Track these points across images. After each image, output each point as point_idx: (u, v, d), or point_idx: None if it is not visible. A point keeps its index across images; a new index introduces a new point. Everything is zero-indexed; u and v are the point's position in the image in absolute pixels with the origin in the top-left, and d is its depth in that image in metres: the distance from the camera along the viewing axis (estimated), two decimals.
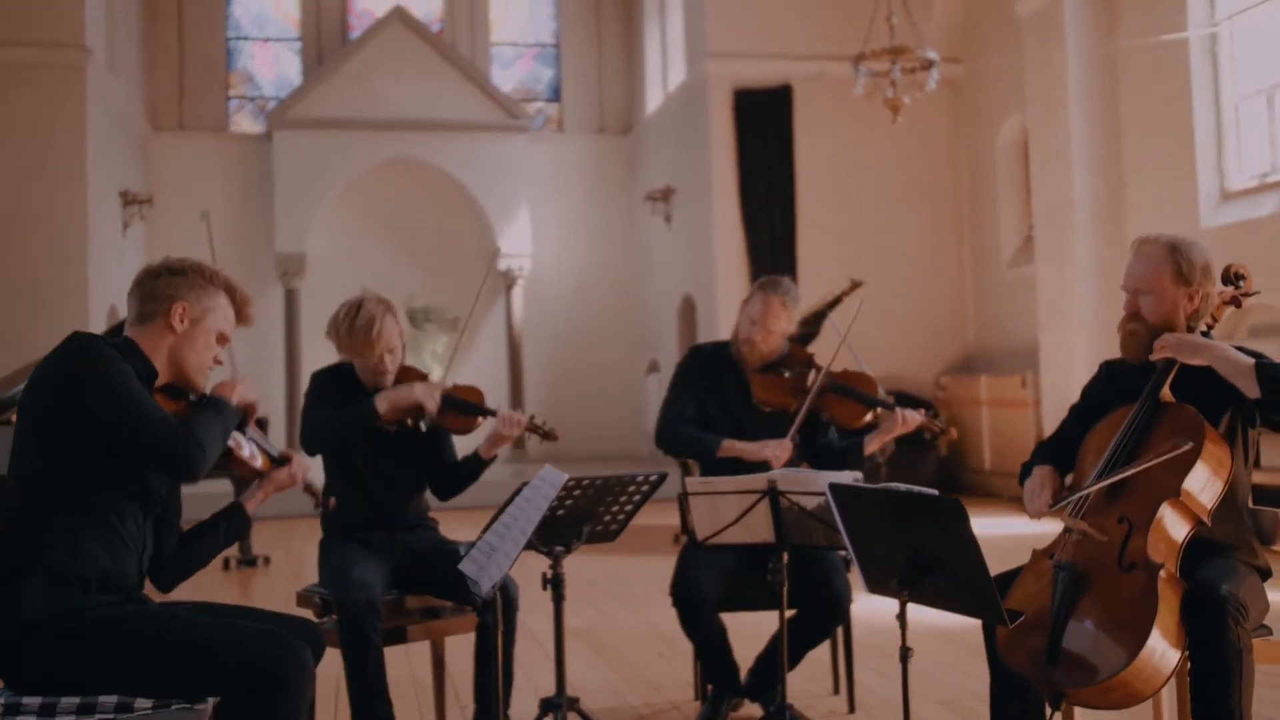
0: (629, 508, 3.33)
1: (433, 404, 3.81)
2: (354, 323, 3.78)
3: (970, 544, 2.49)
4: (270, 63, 16.47)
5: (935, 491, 2.61)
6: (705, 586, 3.80)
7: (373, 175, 15.60)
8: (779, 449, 3.93)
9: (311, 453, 3.86)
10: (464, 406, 3.90)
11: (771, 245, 12.87)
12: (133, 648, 2.51)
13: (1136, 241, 3.20)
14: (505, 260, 15.72)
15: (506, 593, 3.54)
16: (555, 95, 17.12)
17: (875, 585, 2.83)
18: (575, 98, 16.99)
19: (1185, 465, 2.83)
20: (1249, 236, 8.79)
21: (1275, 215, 8.85)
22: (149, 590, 2.78)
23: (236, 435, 2.85)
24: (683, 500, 3.26)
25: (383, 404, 3.79)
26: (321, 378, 3.95)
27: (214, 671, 2.49)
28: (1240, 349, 3.05)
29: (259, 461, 2.92)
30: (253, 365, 13.61)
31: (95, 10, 12.51)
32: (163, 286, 2.76)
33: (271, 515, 10.15)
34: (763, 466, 3.83)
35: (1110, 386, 3.25)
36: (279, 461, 2.97)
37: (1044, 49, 10.72)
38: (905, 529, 2.68)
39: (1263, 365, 2.91)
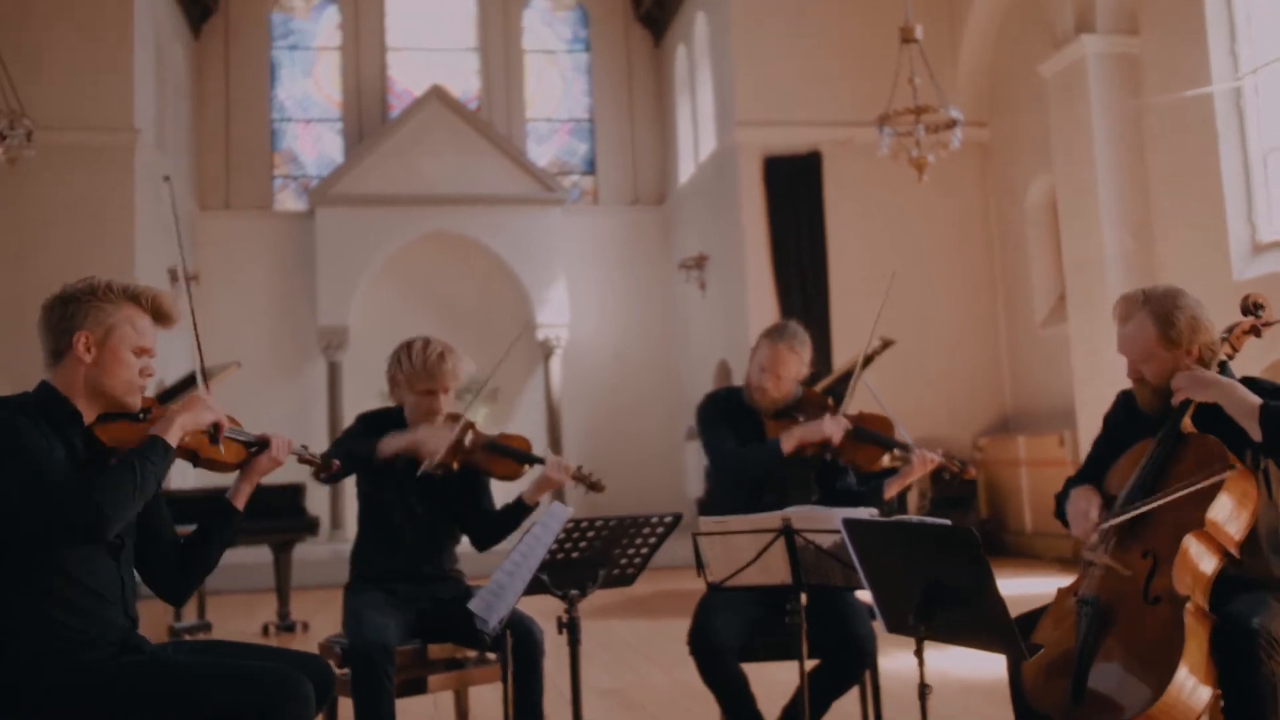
0: (645, 550, 3.37)
1: (435, 449, 3.80)
2: (425, 352, 3.87)
3: (984, 574, 2.50)
4: (313, 142, 16.87)
5: (948, 521, 2.64)
6: (724, 634, 3.79)
7: (412, 249, 15.88)
8: (835, 423, 3.98)
9: (324, 483, 3.75)
10: (512, 453, 3.97)
11: (804, 308, 12.94)
12: (127, 700, 2.47)
13: (1117, 304, 3.21)
14: (543, 330, 15.90)
15: (531, 638, 3.59)
16: (590, 168, 17.39)
17: (894, 624, 2.84)
18: (610, 170, 17.26)
19: (1208, 496, 2.80)
20: None
21: None
22: (159, 611, 2.74)
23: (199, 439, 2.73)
24: (696, 542, 3.30)
25: (385, 447, 3.82)
26: (366, 419, 4.02)
27: (208, 706, 2.45)
28: (1268, 385, 3.04)
29: (232, 455, 2.79)
30: (296, 437, 13.78)
31: (145, 93, 12.91)
32: (59, 322, 2.63)
33: (311, 585, 10.26)
34: (782, 499, 3.84)
35: (1130, 417, 3.25)
36: (257, 446, 2.88)
37: (1069, 108, 10.82)
38: (920, 562, 2.70)
39: (1267, 408, 2.88)
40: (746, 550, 3.26)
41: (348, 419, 15.19)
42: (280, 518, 8.25)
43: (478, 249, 15.99)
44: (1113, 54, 10.50)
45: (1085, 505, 3.06)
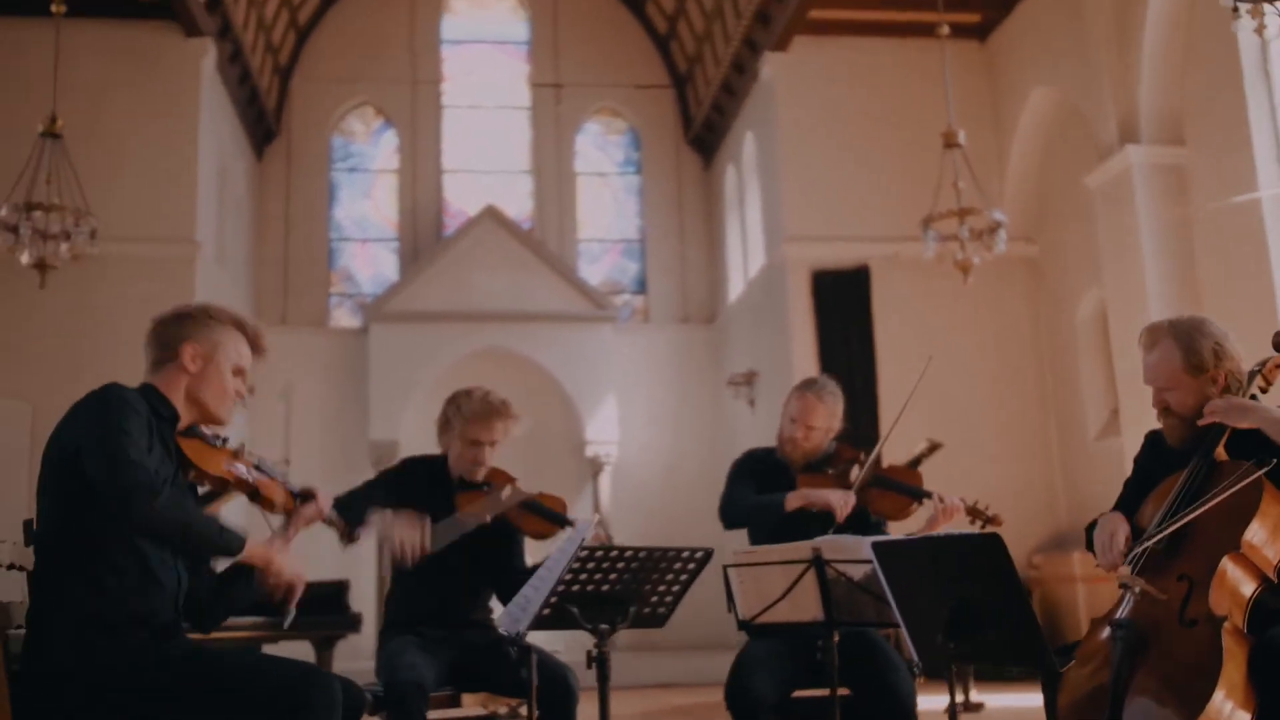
0: (675, 588, 3.34)
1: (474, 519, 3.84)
2: (485, 400, 3.91)
3: (1011, 579, 2.47)
4: (369, 261, 17.24)
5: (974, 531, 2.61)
6: (761, 690, 3.72)
7: (464, 365, 16.02)
8: (844, 498, 3.93)
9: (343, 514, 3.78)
10: (546, 513, 3.97)
11: (853, 423, 12.82)
12: (162, 683, 2.54)
13: (1143, 333, 3.22)
14: (592, 447, 15.92)
15: (565, 684, 3.54)
16: (641, 287, 17.60)
17: (925, 650, 2.79)
18: (660, 289, 17.45)
19: (1245, 517, 2.78)
20: None
21: None
22: None
23: (262, 478, 2.89)
24: (727, 575, 3.25)
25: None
26: (411, 465, 4.05)
27: (241, 694, 2.51)
28: None
29: (281, 500, 2.94)
30: (347, 553, 13.80)
31: (207, 209, 13.31)
32: (171, 331, 2.86)
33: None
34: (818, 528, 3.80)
35: (1159, 456, 3.23)
36: (303, 497, 3.00)
37: (1116, 219, 10.84)
38: (948, 578, 2.66)
39: None
40: (777, 584, 3.22)
41: None
42: (323, 613, 8.20)
43: (529, 366, 16.12)
44: (1158, 164, 10.55)
45: (1112, 529, 3.03)
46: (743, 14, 14.14)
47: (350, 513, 3.74)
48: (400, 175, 17.30)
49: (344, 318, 17.01)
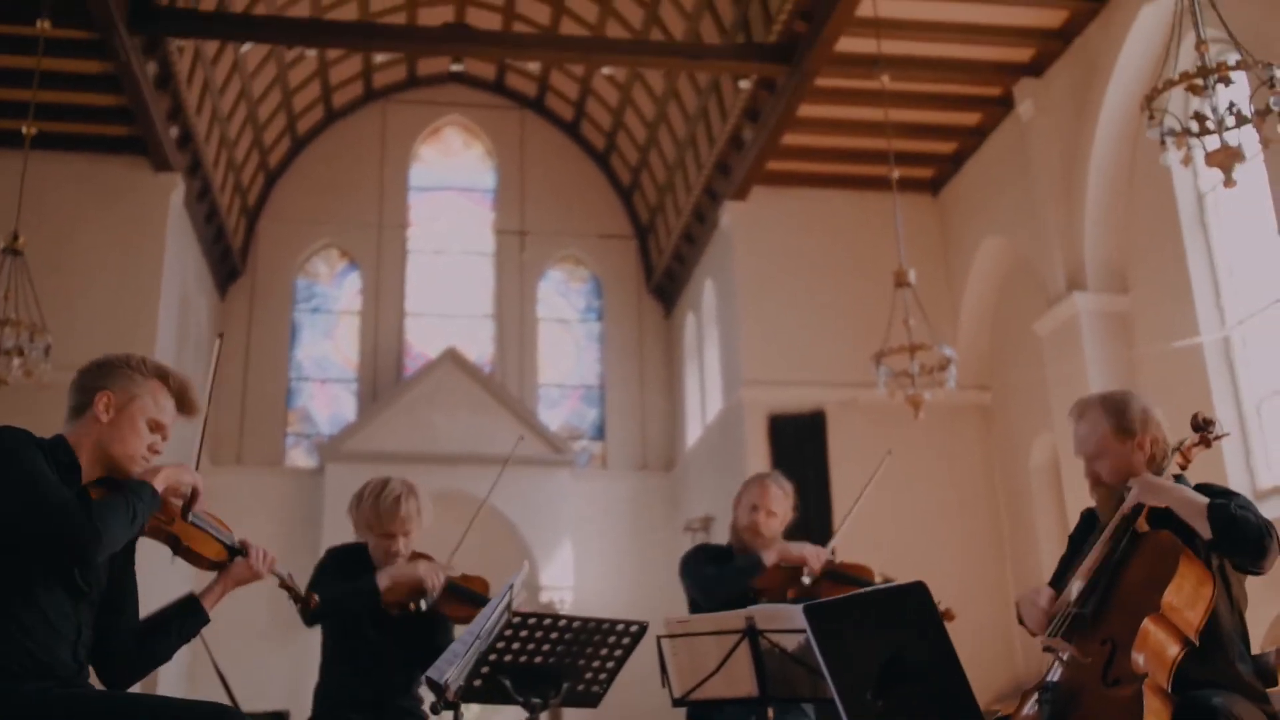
0: (610, 664, 3.30)
1: (435, 582, 3.85)
2: (379, 496, 3.91)
3: (937, 626, 2.49)
4: (328, 402, 17.22)
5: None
6: None
7: None
8: (817, 552, 3.96)
9: (310, 623, 3.86)
10: (467, 595, 3.94)
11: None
12: None
13: (1072, 408, 3.33)
14: (547, 592, 15.70)
15: None
16: (600, 434, 17.63)
17: (855, 715, 2.78)
18: (619, 436, 17.48)
19: (1164, 580, 2.84)
20: None
21: None
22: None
23: (183, 523, 2.78)
24: (660, 646, 3.22)
25: (384, 579, 3.85)
26: (336, 554, 4.03)
27: None
28: (1218, 489, 3.11)
29: (211, 551, 2.86)
30: (296, 694, 13.43)
31: (167, 341, 13.29)
32: (89, 379, 2.78)
33: None
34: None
35: (1093, 532, 3.29)
36: (235, 551, 2.90)
37: (1065, 365, 11.05)
38: (877, 635, 2.69)
39: (1214, 505, 2.98)
40: (711, 656, 3.19)
41: None
42: None
43: (485, 509, 15.96)
44: (1104, 311, 10.84)
45: (1034, 596, 3.08)
46: (704, 165, 14.55)
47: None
48: (363, 317, 17.42)
49: (300, 458, 16.90)
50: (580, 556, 16.13)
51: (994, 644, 12.86)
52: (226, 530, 2.97)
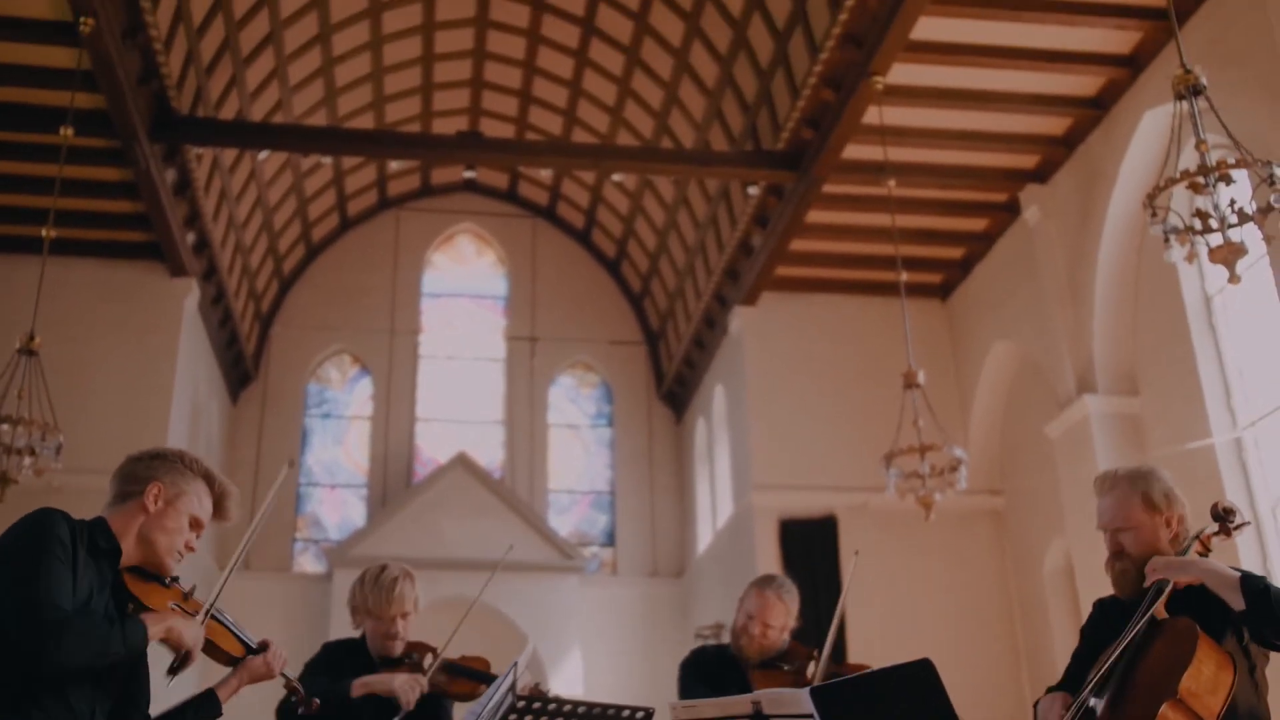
0: None
1: (409, 699, 3.83)
2: (378, 580, 3.92)
3: (943, 702, 2.46)
4: (336, 507, 17.18)
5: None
6: None
7: (427, 613, 15.65)
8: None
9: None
10: (467, 672, 3.92)
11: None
12: None
13: (1097, 480, 3.32)
14: None
15: None
16: (610, 540, 17.52)
17: None
18: (629, 542, 17.36)
19: (1181, 665, 2.80)
20: None
21: None
22: None
23: (211, 622, 2.86)
24: None
25: (359, 688, 3.83)
26: (330, 648, 4.02)
27: None
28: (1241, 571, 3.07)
29: (230, 646, 2.91)
30: None
31: (178, 445, 13.32)
32: (141, 469, 2.89)
33: None
34: None
35: (1105, 622, 3.25)
36: (255, 650, 2.98)
37: (1076, 468, 10.99)
38: (886, 714, 2.64)
39: (1247, 577, 2.94)
40: None
41: None
42: None
43: (493, 615, 15.84)
44: (1115, 413, 10.82)
45: (1048, 707, 3.05)
46: (713, 271, 14.69)
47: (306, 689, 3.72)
48: (373, 422, 17.46)
49: (308, 563, 16.80)
50: (589, 663, 15.91)
51: None
52: (245, 632, 3.05)
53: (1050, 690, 3.25)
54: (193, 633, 2.82)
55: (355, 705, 3.89)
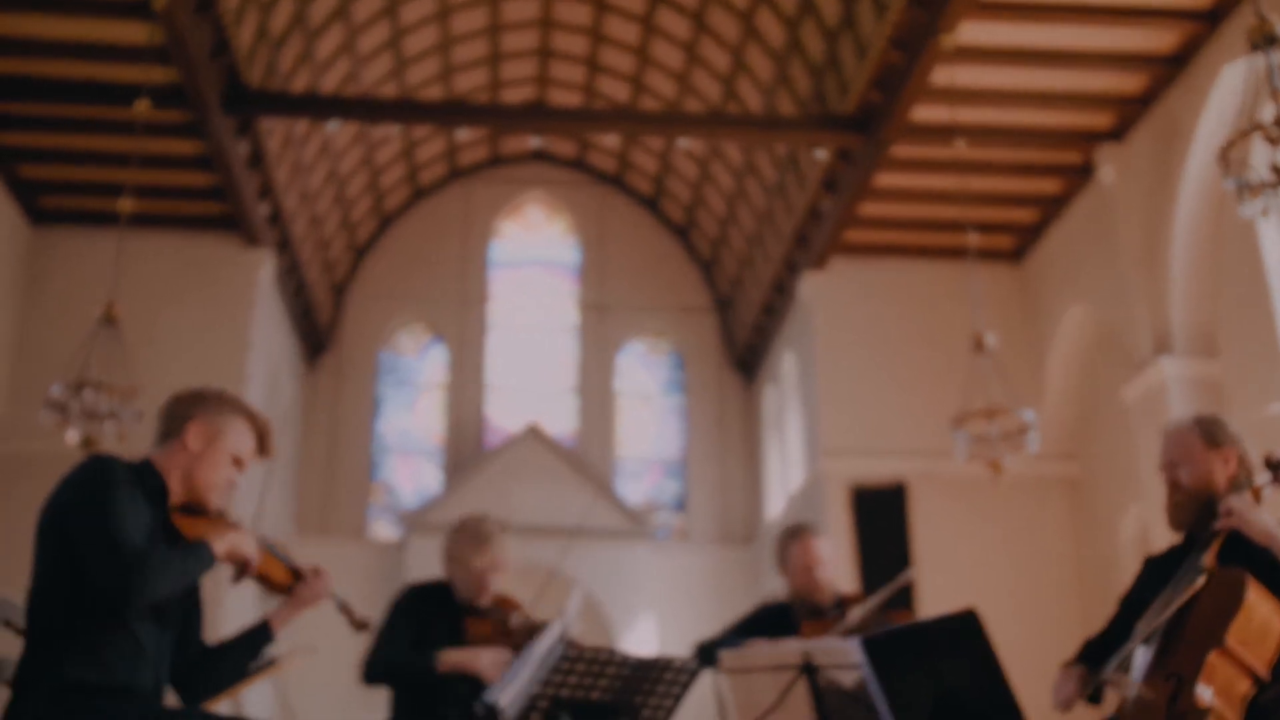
0: (668, 703, 3.28)
1: (495, 676, 3.85)
2: (478, 529, 3.96)
3: (988, 655, 2.45)
4: (411, 474, 17.41)
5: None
6: None
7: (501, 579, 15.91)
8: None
9: (367, 682, 3.90)
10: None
11: None
12: None
13: (1165, 427, 3.28)
14: None
15: None
16: (680, 506, 17.57)
17: None
18: (700, 509, 17.41)
19: (1230, 613, 2.76)
20: None
21: None
22: None
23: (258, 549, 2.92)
24: (717, 685, 3.20)
25: (446, 663, 3.87)
26: (413, 595, 4.06)
27: None
28: None
29: (279, 574, 2.97)
30: None
31: None
32: (181, 408, 2.93)
33: None
34: None
35: (1154, 576, 3.21)
36: (303, 576, 3.02)
37: (1153, 433, 10.77)
38: (933, 665, 2.65)
39: None
40: (767, 694, 3.14)
41: None
42: None
43: (564, 582, 15.98)
44: (1193, 376, 10.59)
45: (1064, 678, 3.05)
46: (782, 236, 14.60)
47: (369, 673, 3.81)
48: (447, 390, 17.64)
49: (382, 529, 17.06)
50: (662, 629, 16.00)
51: None
52: (294, 561, 3.09)
53: (1089, 641, 3.22)
54: (249, 544, 2.88)
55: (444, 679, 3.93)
